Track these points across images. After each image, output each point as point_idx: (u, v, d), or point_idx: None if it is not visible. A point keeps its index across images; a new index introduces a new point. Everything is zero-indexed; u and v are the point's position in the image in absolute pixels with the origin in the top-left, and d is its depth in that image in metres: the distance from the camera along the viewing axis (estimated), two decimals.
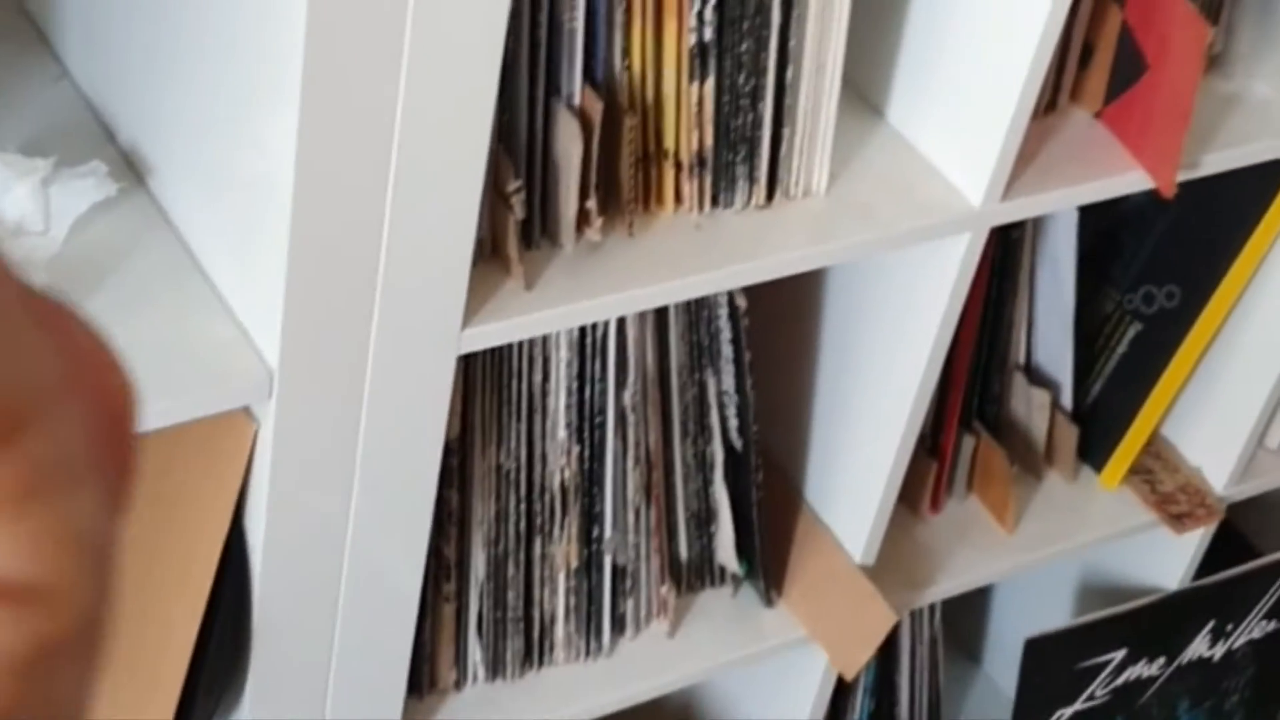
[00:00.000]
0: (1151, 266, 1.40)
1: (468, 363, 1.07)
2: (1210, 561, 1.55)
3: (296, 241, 0.86)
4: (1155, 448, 1.51)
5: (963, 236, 1.10)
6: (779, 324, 1.27)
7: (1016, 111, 1.05)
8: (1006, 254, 1.29)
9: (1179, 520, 1.46)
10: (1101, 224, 1.41)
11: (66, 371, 0.26)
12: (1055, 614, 1.59)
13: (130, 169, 1.01)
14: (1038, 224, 1.30)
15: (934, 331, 1.15)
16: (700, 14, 0.96)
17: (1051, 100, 1.16)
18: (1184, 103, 1.09)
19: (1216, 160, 1.19)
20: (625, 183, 1.00)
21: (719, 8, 0.96)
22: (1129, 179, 1.15)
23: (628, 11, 0.94)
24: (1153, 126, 1.13)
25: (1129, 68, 1.13)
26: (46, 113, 1.05)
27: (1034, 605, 1.65)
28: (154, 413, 0.89)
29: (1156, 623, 1.54)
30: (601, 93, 0.96)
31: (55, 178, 0.96)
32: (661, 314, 1.12)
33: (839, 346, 1.24)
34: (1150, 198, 1.35)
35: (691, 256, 1.03)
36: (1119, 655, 1.53)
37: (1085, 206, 1.24)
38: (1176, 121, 1.10)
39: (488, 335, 0.97)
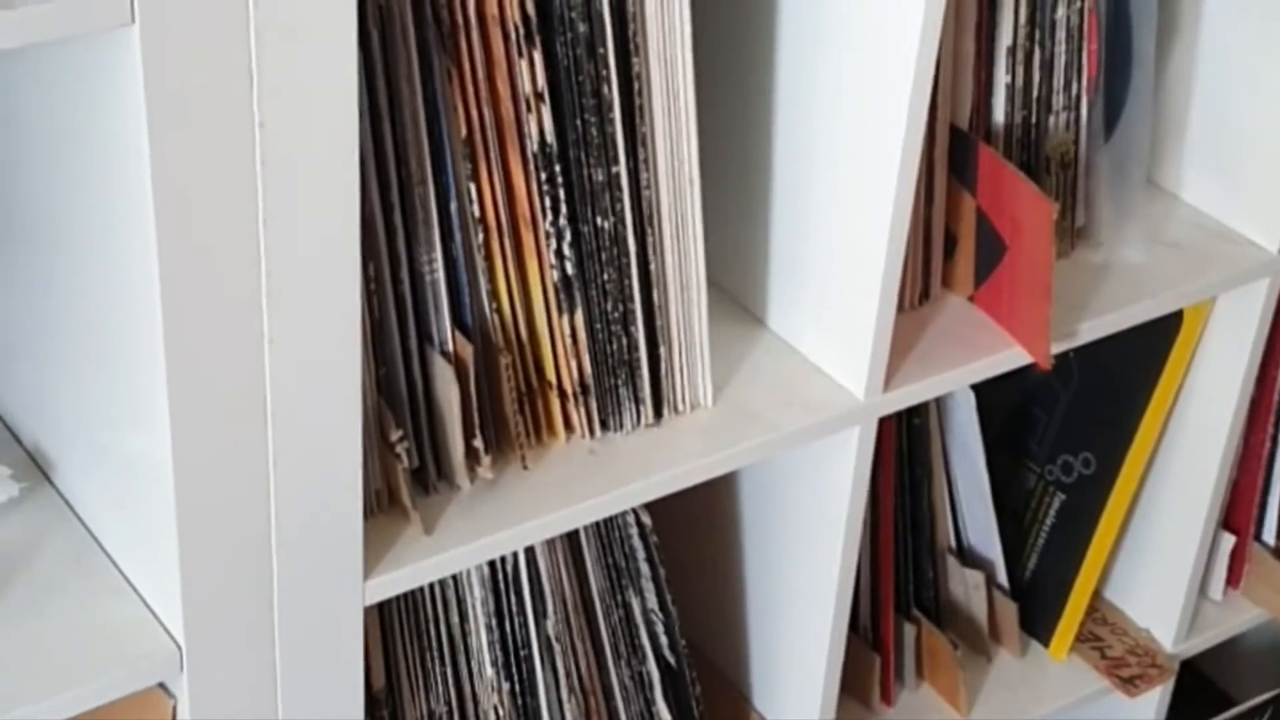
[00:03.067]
0: (1064, 437, 1.44)
1: (383, 611, 1.09)
2: (1180, 710, 1.56)
3: (183, 516, 0.89)
4: (1100, 613, 1.53)
5: (851, 430, 1.14)
6: (700, 528, 1.30)
7: (881, 305, 1.09)
8: (913, 441, 1.32)
9: (1131, 683, 1.48)
10: (1011, 401, 1.45)
11: None
12: None
13: (36, 466, 1.05)
14: (941, 409, 1.33)
15: (842, 523, 1.18)
16: (559, 250, 1.00)
17: (924, 290, 1.20)
18: (1043, 278, 1.13)
19: (1094, 327, 1.23)
20: (511, 418, 1.03)
21: (576, 243, 1.00)
22: (1007, 356, 1.19)
23: (488, 256, 0.99)
24: (1019, 304, 1.17)
25: (991, 250, 1.17)
26: None
27: None
28: (69, 700, 0.91)
29: None
30: (474, 335, 1.00)
31: None
32: (574, 540, 1.15)
33: (759, 545, 1.27)
34: (1054, 371, 1.39)
35: (587, 481, 1.06)
36: None
37: (990, 386, 1.27)
38: (1040, 297, 1.14)
39: (392, 583, 0.99)
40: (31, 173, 0.92)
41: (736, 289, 1.19)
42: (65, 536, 1.01)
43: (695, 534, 1.31)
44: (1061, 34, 1.17)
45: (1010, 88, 1.17)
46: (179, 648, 0.94)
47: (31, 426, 1.06)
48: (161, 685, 0.96)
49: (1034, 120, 1.20)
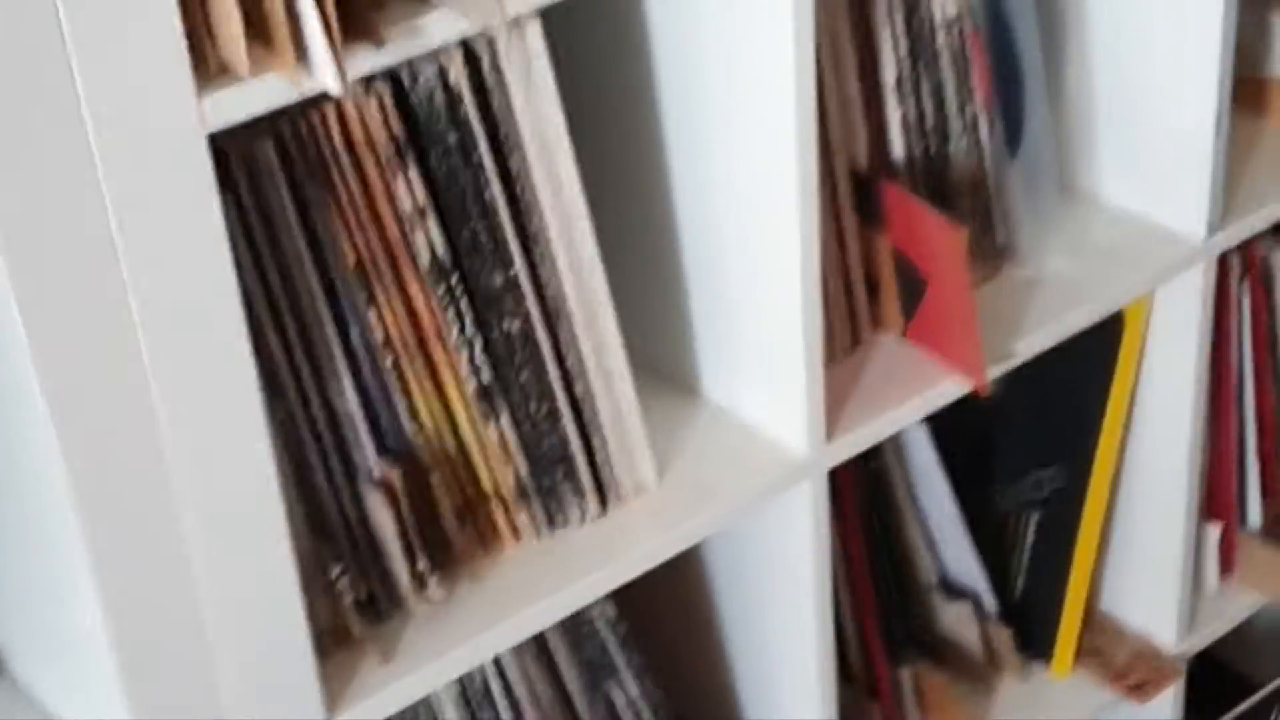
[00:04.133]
0: (1029, 455, 1.42)
1: None
2: (1200, 701, 1.55)
3: (131, 694, 0.88)
4: (1098, 623, 1.51)
5: (801, 486, 1.13)
6: (674, 607, 1.29)
7: (809, 357, 1.08)
8: (874, 485, 1.31)
9: (1140, 689, 1.46)
10: (970, 429, 1.44)
11: None
12: None
13: None
14: (897, 449, 1.32)
15: (809, 579, 1.17)
16: (471, 360, 0.99)
17: (855, 335, 1.20)
18: (966, 304, 1.13)
19: (1032, 343, 1.22)
20: (453, 534, 1.02)
21: (488, 350, 1.00)
22: (947, 386, 1.18)
23: (401, 378, 0.98)
24: (949, 333, 1.16)
25: (912, 286, 1.17)
26: None
27: None
28: None
29: None
30: (402, 458, 0.99)
31: None
32: (542, 644, 1.14)
33: (735, 613, 1.26)
34: (1007, 391, 1.38)
35: (541, 583, 1.05)
36: None
37: (946, 417, 1.26)
38: (966, 323, 1.14)
39: (359, 717, 0.98)
40: None
41: (666, 363, 1.18)
42: None
43: (670, 614, 1.29)
44: (945, 59, 1.17)
45: (905, 122, 1.17)
46: None
47: None
48: None
49: (933, 150, 1.20)
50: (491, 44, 0.93)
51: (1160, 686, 1.46)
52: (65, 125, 0.75)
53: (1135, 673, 1.47)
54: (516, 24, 0.92)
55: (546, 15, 0.93)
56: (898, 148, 1.18)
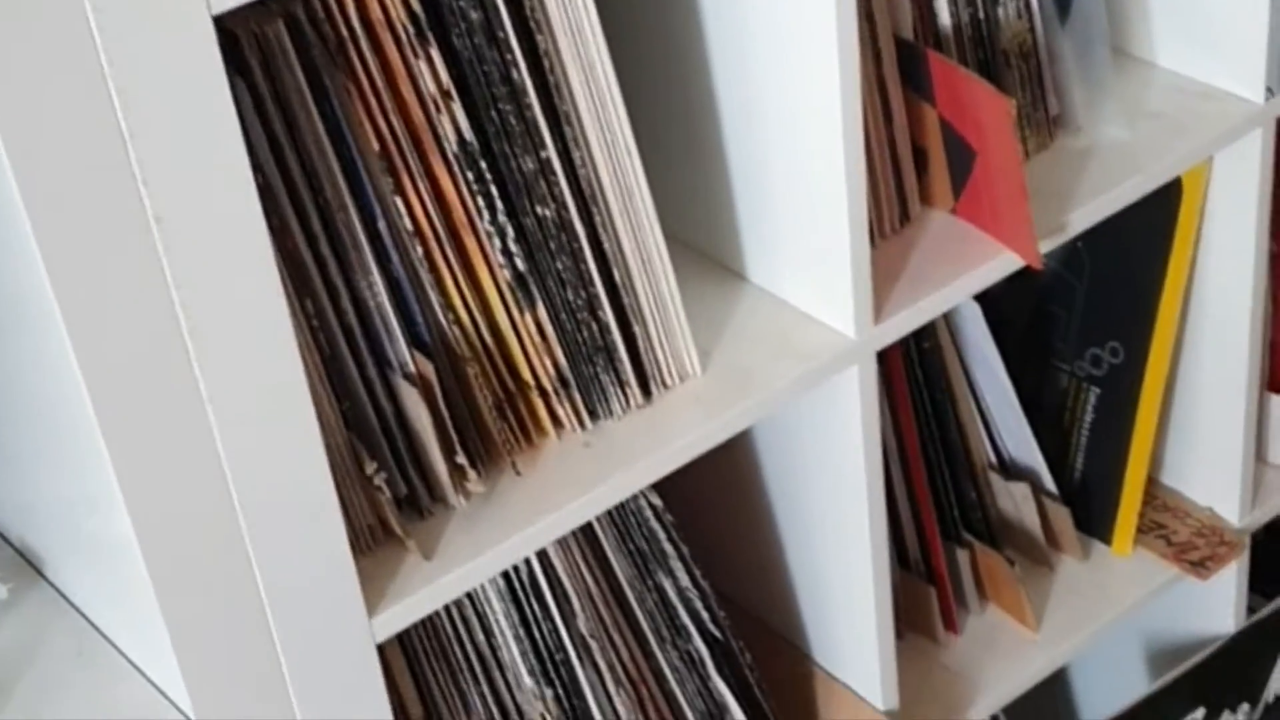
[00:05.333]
0: (1088, 330, 1.39)
1: (406, 643, 1.07)
2: (1263, 575, 1.52)
3: (163, 593, 0.86)
4: (1159, 499, 1.48)
5: (849, 370, 1.10)
6: (724, 494, 1.27)
7: (854, 236, 1.05)
8: (927, 366, 1.28)
9: (1202, 565, 1.43)
10: (1028, 304, 1.40)
11: None
12: (1125, 690, 1.55)
13: (27, 563, 1.03)
14: (951, 327, 1.29)
15: (861, 463, 1.14)
16: (505, 248, 0.96)
17: (904, 211, 1.16)
18: (1016, 177, 1.09)
19: (1086, 214, 1.19)
20: (493, 426, 1.00)
21: (521, 238, 0.97)
22: (999, 262, 1.14)
23: (433, 268, 0.95)
24: (1000, 207, 1.12)
25: (962, 159, 1.13)
26: None
27: (1102, 688, 1.61)
28: None
29: (1227, 670, 1.50)
30: (435, 351, 0.97)
31: None
32: (590, 534, 1.12)
33: (786, 500, 1.23)
34: (1065, 264, 1.35)
35: (584, 475, 1.02)
36: (1199, 714, 1.49)
37: (1003, 293, 1.23)
38: (1016, 195, 1.10)
39: (400, 616, 0.96)
40: None
41: (709, 246, 1.15)
42: (64, 630, 0.99)
43: (721, 502, 1.27)
44: None
45: None
46: None
47: (16, 524, 1.04)
48: None
49: (982, 16, 1.15)
50: None
51: (1223, 561, 1.43)
52: (65, 5, 0.72)
53: (1197, 549, 1.44)
54: None
55: None
56: (944, 15, 1.14)
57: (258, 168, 0.81)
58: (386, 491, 0.96)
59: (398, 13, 0.88)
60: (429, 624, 1.06)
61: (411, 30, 0.89)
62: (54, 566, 1.01)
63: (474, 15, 0.90)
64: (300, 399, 0.86)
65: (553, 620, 1.10)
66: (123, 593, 0.92)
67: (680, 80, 1.09)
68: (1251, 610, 1.52)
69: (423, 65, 0.90)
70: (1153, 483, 1.47)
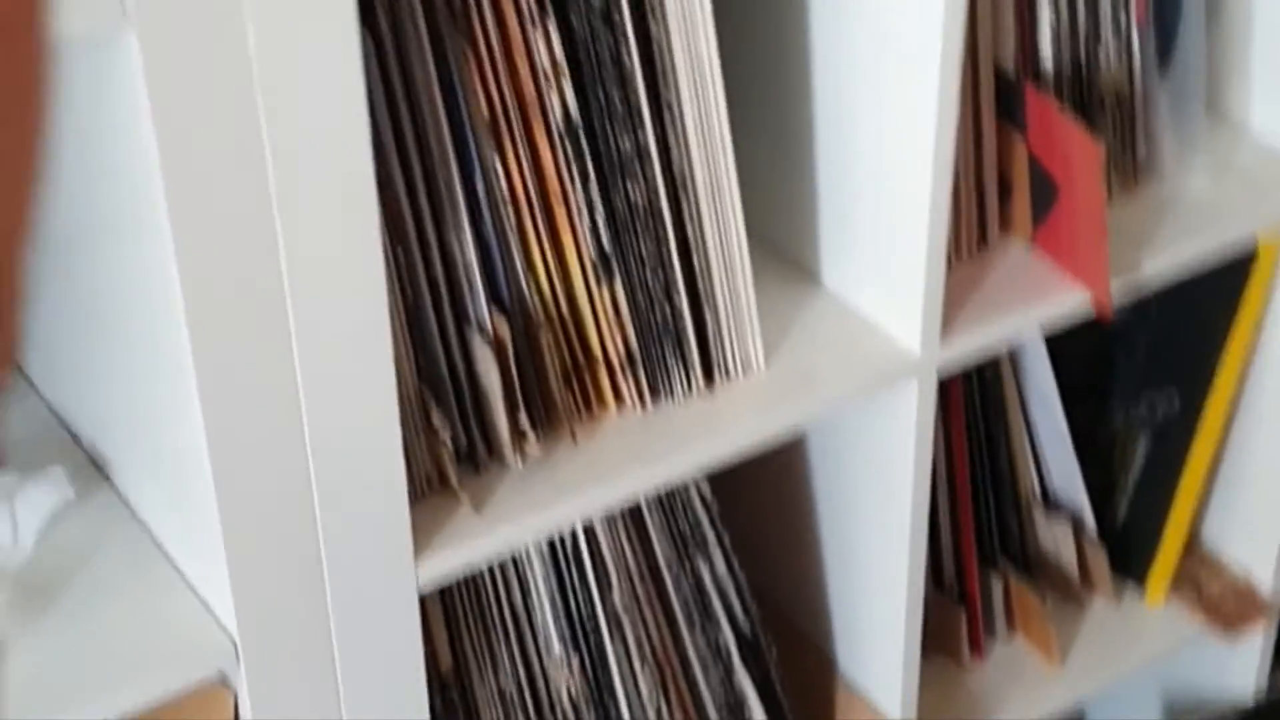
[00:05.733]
0: (1147, 376, 1.41)
1: (445, 594, 1.09)
2: None
3: (225, 510, 0.89)
4: (1197, 554, 1.49)
5: (909, 384, 1.12)
6: (770, 489, 1.29)
7: (930, 255, 1.07)
8: (986, 391, 1.30)
9: (1231, 625, 1.44)
10: (1091, 342, 1.42)
11: None
12: None
13: (95, 467, 1.06)
14: (1014, 357, 1.31)
15: (909, 479, 1.16)
16: (592, 222, 0.99)
17: (982, 235, 1.18)
18: (1096, 218, 1.11)
19: (1161, 263, 1.20)
20: (557, 393, 1.03)
21: (609, 214, 0.99)
22: (1070, 299, 1.16)
23: (521, 233, 0.98)
24: (1077, 244, 1.14)
25: (1045, 192, 1.15)
26: (18, 426, 1.10)
27: None
28: (124, 698, 0.92)
29: None
30: (513, 313, 0.99)
31: (19, 489, 1.01)
32: (636, 511, 1.14)
33: (831, 504, 1.25)
34: (1133, 309, 1.36)
35: (640, 452, 1.05)
36: None
37: (1069, 329, 1.25)
38: (1096, 237, 1.12)
39: (444, 564, 0.99)
40: (69, 176, 0.93)
41: (788, 245, 1.17)
42: (123, 536, 1.02)
43: (764, 496, 1.29)
44: None
45: (1056, 26, 1.15)
46: (234, 643, 0.94)
47: (89, 428, 1.07)
48: (224, 682, 0.97)
49: (1083, 57, 1.17)
50: None
51: (1251, 624, 1.45)
52: None
53: (1228, 608, 1.45)
54: None
55: None
56: (1047, 51, 1.15)
57: (371, 115, 0.84)
58: (448, 444, 0.99)
59: None
60: (470, 580, 1.09)
61: (534, 4, 0.92)
62: (121, 474, 1.04)
63: None
64: (380, 338, 0.89)
65: (589, 590, 1.13)
66: (184, 505, 0.95)
67: (780, 82, 1.11)
68: (1272, 683, 1.53)
69: (539, 38, 0.93)
70: (1192, 536, 1.49)
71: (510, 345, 0.99)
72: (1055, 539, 1.40)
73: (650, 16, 0.95)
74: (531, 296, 1.00)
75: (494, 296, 0.99)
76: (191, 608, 0.97)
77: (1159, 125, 1.23)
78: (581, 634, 1.13)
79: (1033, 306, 1.15)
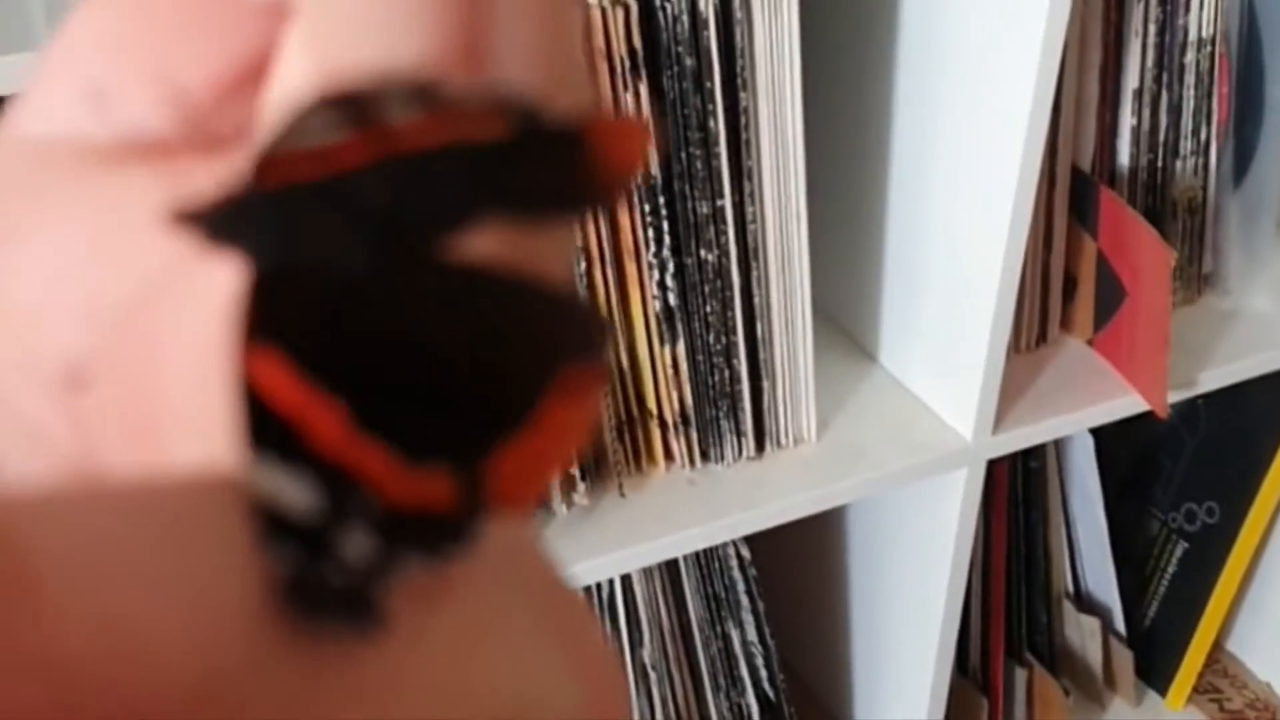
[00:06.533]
0: (1189, 485, 1.41)
1: None
2: None
3: None
4: (1220, 664, 1.50)
5: (958, 472, 1.13)
6: (806, 560, 1.30)
7: (991, 347, 1.08)
8: (1029, 484, 1.31)
9: None
10: (1136, 446, 1.43)
11: (582, 700, 0.22)
12: None
13: None
14: (1060, 453, 1.31)
15: (948, 565, 1.17)
16: (662, 282, 1.00)
17: (1042, 332, 1.19)
18: (1160, 326, 1.11)
19: (1216, 377, 1.21)
20: (609, 446, 1.04)
21: (679, 275, 1.01)
22: (1124, 403, 1.17)
23: (590, 285, 0.99)
24: (1138, 350, 1.15)
25: (1111, 295, 1.16)
26: None
27: None
28: None
29: None
30: None
31: None
32: (673, 569, 1.15)
33: (865, 581, 1.26)
34: (1181, 418, 1.37)
35: (685, 512, 1.06)
36: None
37: (1115, 430, 1.25)
38: (1157, 345, 1.12)
39: None
40: None
41: (849, 322, 1.18)
42: None
43: (800, 566, 1.30)
44: (1191, 77, 1.15)
45: (1136, 131, 1.16)
46: None
47: None
48: None
49: (1160, 164, 1.18)
50: None
51: None
52: None
53: (1247, 719, 1.46)
54: None
55: None
56: (1124, 155, 1.16)
57: None
58: None
59: (619, 46, 0.92)
60: None
61: (628, 64, 0.93)
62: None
63: (688, 62, 0.94)
64: None
65: (620, 642, 1.13)
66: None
67: (860, 162, 1.12)
68: None
69: (629, 97, 0.94)
70: (1216, 645, 1.49)
71: None
72: (1083, 636, 1.40)
73: (741, 87, 0.96)
74: None
75: None
76: None
77: (1228, 239, 1.24)
78: None
79: (1086, 406, 1.16)
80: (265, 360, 0.22)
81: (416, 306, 0.23)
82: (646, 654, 1.14)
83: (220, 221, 0.22)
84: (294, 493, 0.21)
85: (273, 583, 0.21)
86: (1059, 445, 1.30)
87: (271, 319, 0.22)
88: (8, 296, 0.23)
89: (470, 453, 0.22)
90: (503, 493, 0.22)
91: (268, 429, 0.22)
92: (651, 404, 1.05)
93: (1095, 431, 1.25)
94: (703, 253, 1.01)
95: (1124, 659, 1.43)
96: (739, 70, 0.96)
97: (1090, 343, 1.19)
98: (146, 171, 0.23)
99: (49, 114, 0.24)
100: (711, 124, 0.97)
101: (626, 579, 1.12)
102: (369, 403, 0.22)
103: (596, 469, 1.04)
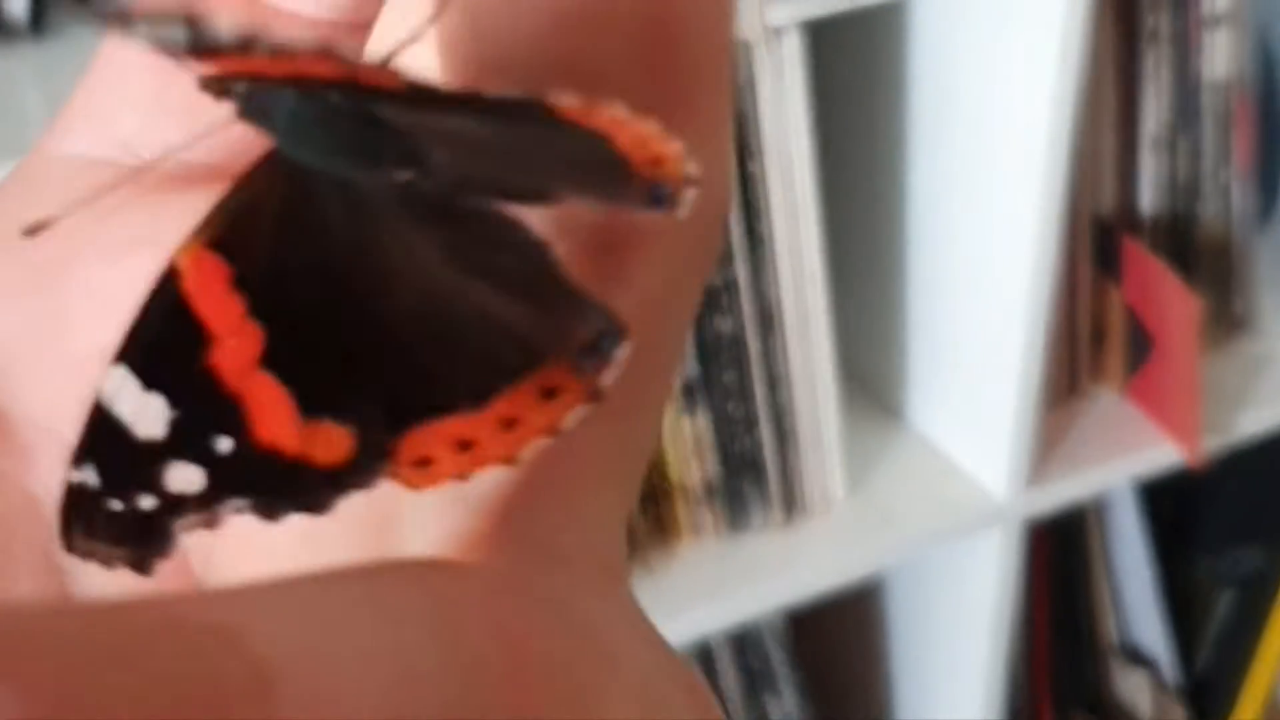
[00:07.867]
0: (1233, 530, 1.38)
1: None
2: None
3: None
4: (1275, 713, 1.46)
5: (994, 531, 1.11)
6: (843, 623, 1.27)
7: (1020, 403, 1.06)
8: (1070, 537, 1.28)
9: None
10: (1179, 493, 1.40)
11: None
12: None
13: None
14: (1099, 505, 1.29)
15: (987, 625, 1.15)
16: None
17: (1071, 384, 1.17)
18: (1191, 373, 1.10)
19: (1251, 421, 1.19)
20: (633, 521, 1.02)
21: (697, 345, 0.99)
22: (1160, 453, 1.14)
23: None
24: (1169, 399, 1.13)
25: (1140, 344, 1.14)
26: None
27: None
28: None
29: None
30: None
31: None
32: (705, 645, 1.13)
33: (905, 643, 1.24)
34: (1218, 462, 1.34)
35: (715, 585, 1.04)
36: None
37: (1154, 479, 1.23)
38: (1189, 392, 1.10)
39: None
40: None
41: (876, 382, 1.17)
42: None
43: (838, 633, 1.28)
44: (1209, 121, 1.13)
45: (1157, 178, 1.14)
46: None
47: None
48: None
49: (1182, 210, 1.16)
50: (748, 50, 0.92)
51: None
52: None
53: None
54: (775, 34, 0.91)
55: (808, 29, 0.92)
56: (1146, 203, 1.15)
57: None
58: None
59: None
60: None
61: None
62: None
63: None
64: None
65: None
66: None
67: (876, 216, 1.11)
68: None
69: None
70: (1270, 695, 1.46)
71: None
72: (1131, 690, 1.38)
73: (749, 156, 0.95)
74: None
75: None
76: None
77: (1257, 280, 1.22)
78: None
79: (1122, 457, 1.14)
80: (208, 261, 0.21)
81: (386, 257, 0.21)
82: None
83: (253, 96, 0.21)
84: (149, 412, 0.21)
85: (69, 489, 0.21)
86: (1099, 497, 1.28)
87: (239, 225, 0.21)
88: (69, 334, 0.23)
89: (387, 421, 0.21)
90: (408, 465, 0.21)
91: (173, 326, 0.21)
92: (674, 477, 1.03)
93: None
94: (719, 321, 0.99)
95: (1175, 713, 1.40)
96: (747, 139, 0.95)
97: (1122, 392, 1.17)
98: (198, 198, 0.23)
99: (90, 138, 0.24)
100: None
101: None
102: (299, 345, 0.21)
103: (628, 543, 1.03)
